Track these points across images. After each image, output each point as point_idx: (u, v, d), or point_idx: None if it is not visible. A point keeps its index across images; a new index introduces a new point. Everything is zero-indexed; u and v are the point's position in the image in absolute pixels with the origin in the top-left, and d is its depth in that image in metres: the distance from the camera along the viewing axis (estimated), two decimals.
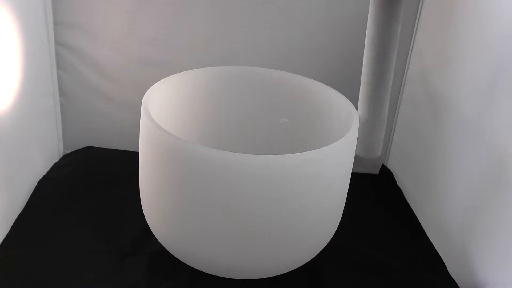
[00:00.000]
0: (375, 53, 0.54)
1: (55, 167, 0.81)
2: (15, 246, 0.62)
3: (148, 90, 0.60)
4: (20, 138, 0.69)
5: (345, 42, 0.81)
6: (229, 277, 0.58)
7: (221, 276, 0.58)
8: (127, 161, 0.82)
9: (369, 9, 0.53)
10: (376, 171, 0.92)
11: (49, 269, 0.59)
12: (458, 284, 0.63)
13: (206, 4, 0.78)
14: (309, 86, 0.69)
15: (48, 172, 0.79)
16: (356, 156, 0.59)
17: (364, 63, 0.56)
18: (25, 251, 0.62)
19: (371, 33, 0.53)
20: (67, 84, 0.83)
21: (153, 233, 0.59)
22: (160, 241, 0.59)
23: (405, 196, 0.83)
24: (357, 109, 0.61)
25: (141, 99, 0.57)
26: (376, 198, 0.83)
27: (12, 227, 0.66)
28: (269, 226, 0.52)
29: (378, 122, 0.58)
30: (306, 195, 0.52)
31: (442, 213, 0.70)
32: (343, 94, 0.64)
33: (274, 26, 0.80)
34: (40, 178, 0.76)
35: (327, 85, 0.67)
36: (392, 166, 0.90)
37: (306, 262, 0.59)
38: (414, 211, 0.79)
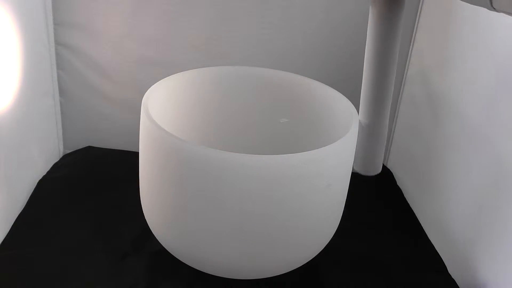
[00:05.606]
0: (375, 71, 0.52)
1: (55, 167, 0.81)
2: (15, 246, 0.62)
3: (148, 90, 0.60)
4: (20, 138, 0.69)
5: (345, 42, 0.81)
6: (229, 277, 0.58)
7: (221, 276, 0.58)
8: (127, 161, 0.81)
9: (368, 26, 0.51)
10: None
11: (49, 269, 0.59)
12: (458, 284, 0.63)
13: (206, 4, 0.78)
14: (310, 86, 0.69)
15: (48, 172, 0.79)
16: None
17: (364, 79, 0.53)
18: (25, 251, 0.62)
19: (370, 52, 0.50)
20: (67, 84, 0.83)
21: (153, 233, 0.59)
22: (160, 241, 0.59)
23: (405, 196, 0.83)
24: (357, 110, 0.60)
25: (141, 99, 0.57)
26: (376, 198, 0.83)
27: (12, 227, 0.66)
28: (269, 226, 0.52)
29: (379, 134, 0.55)
30: (306, 195, 0.52)
31: (442, 213, 0.70)
32: (343, 94, 0.64)
33: (274, 26, 0.80)
34: (40, 178, 0.76)
35: (327, 85, 0.67)
36: (392, 166, 0.90)
37: (306, 262, 0.59)
38: (414, 211, 0.79)
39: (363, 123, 0.55)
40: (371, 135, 0.54)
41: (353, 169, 0.53)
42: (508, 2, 0.31)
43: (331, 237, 0.60)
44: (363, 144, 0.54)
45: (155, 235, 0.59)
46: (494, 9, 0.33)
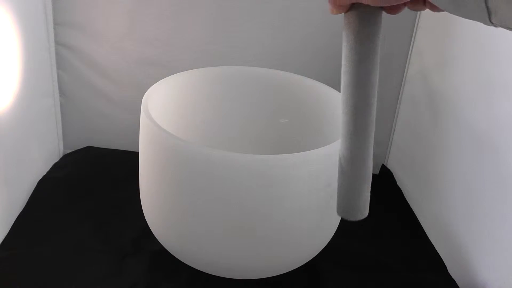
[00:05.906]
0: (354, 99, 0.43)
1: (55, 167, 0.81)
2: (15, 246, 0.62)
3: (148, 90, 0.60)
4: (20, 138, 0.69)
5: None
6: (229, 277, 0.58)
7: (221, 276, 0.58)
8: (127, 161, 0.81)
9: (343, 52, 0.43)
10: (376, 171, 0.92)
11: (49, 269, 0.59)
12: (458, 284, 0.63)
13: (206, 4, 0.78)
14: (309, 86, 0.69)
15: (48, 172, 0.79)
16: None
17: (343, 109, 0.44)
18: (25, 251, 0.62)
19: (348, 80, 0.41)
20: (67, 84, 0.82)
21: (153, 233, 0.59)
22: (160, 241, 0.59)
23: (405, 196, 0.83)
24: None
25: (141, 99, 0.57)
26: (376, 198, 0.83)
27: (12, 227, 0.65)
28: (269, 226, 0.52)
29: (363, 169, 0.45)
30: (306, 195, 0.52)
31: (442, 213, 0.70)
32: None
33: (274, 26, 0.80)
34: (40, 178, 0.76)
35: (327, 85, 0.67)
36: (392, 166, 0.90)
37: (306, 262, 0.59)
38: (414, 211, 0.79)
39: (343, 157, 0.45)
40: (354, 173, 0.45)
41: (337, 213, 0.47)
42: (509, 16, 0.28)
43: (331, 237, 0.60)
44: (344, 183, 0.47)
45: (155, 235, 0.59)
46: (493, 24, 0.31)
